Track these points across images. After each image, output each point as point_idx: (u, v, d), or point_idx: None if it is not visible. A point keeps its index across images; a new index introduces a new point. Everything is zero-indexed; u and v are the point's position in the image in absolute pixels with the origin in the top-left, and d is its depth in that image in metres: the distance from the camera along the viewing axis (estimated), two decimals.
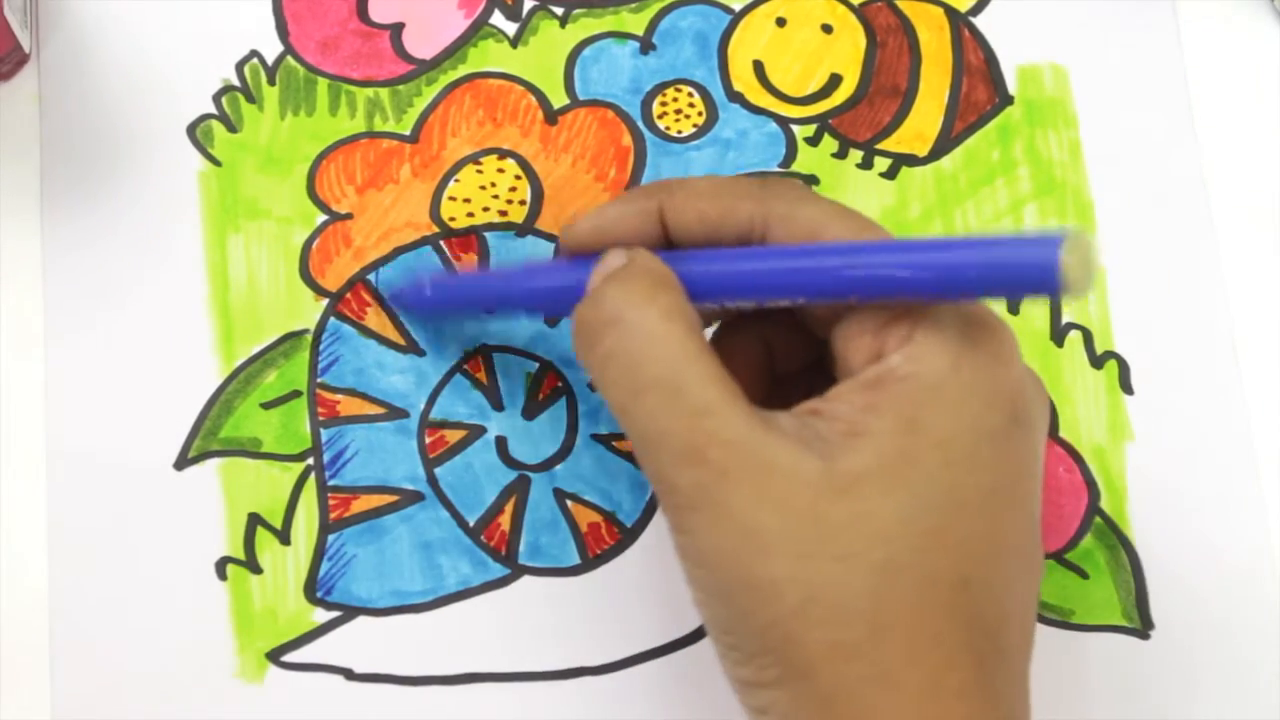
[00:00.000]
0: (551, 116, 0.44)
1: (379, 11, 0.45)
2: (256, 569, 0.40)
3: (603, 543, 0.41)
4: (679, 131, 0.44)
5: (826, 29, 0.45)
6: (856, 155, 0.44)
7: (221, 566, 0.40)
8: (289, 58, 0.44)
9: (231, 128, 0.43)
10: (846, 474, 0.28)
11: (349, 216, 0.43)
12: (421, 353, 0.42)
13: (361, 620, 0.40)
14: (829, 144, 0.44)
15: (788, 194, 0.33)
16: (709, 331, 0.36)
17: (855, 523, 0.28)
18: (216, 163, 0.43)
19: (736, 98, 0.44)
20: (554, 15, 0.45)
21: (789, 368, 0.35)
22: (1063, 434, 0.42)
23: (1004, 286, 0.28)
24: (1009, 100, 0.45)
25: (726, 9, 0.45)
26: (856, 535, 0.28)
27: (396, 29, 0.45)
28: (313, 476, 0.41)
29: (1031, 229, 0.27)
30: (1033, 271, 0.27)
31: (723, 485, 0.29)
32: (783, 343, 0.35)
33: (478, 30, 0.45)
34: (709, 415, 0.29)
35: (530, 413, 0.41)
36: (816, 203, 0.32)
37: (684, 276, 0.32)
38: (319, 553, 0.40)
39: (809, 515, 0.28)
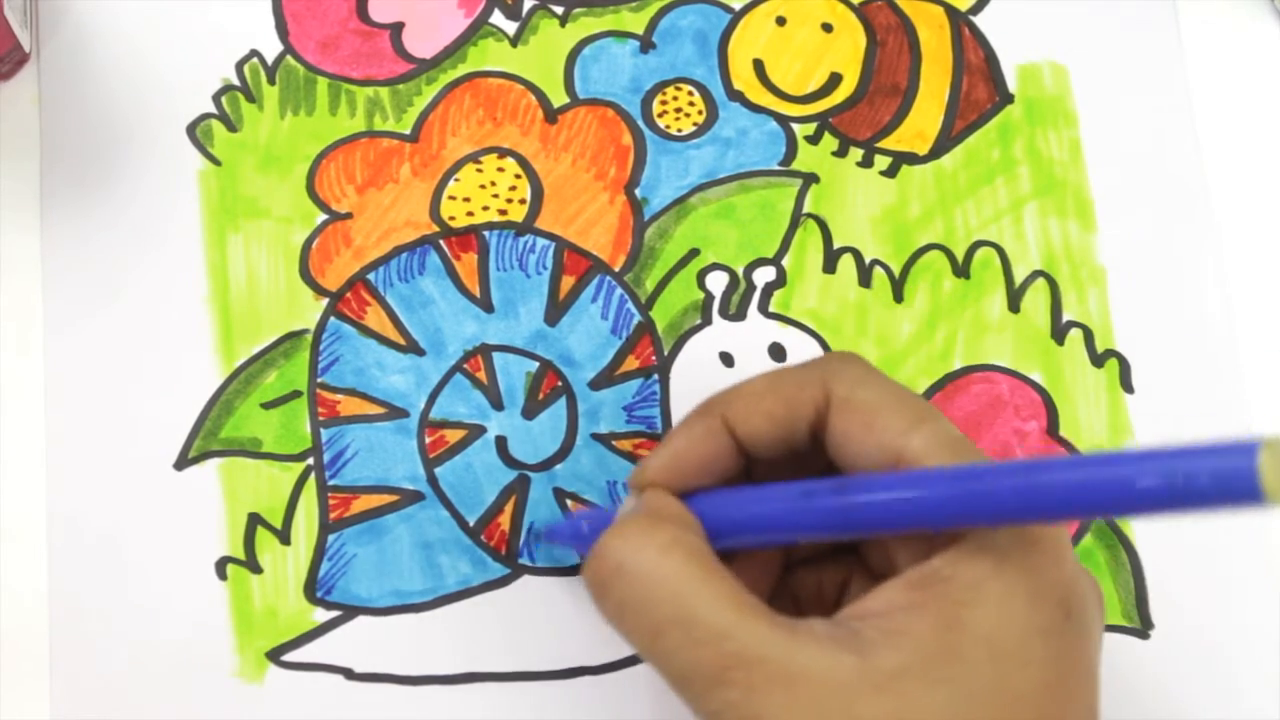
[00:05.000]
0: (551, 115, 0.44)
1: (379, 11, 0.45)
2: (256, 569, 0.40)
3: None
4: (679, 130, 0.44)
5: (826, 28, 0.45)
6: (856, 154, 0.44)
7: (221, 566, 0.40)
8: (289, 57, 0.44)
9: (231, 127, 0.43)
10: (884, 671, 0.28)
11: (349, 216, 0.43)
12: (421, 352, 0.42)
13: (361, 620, 0.40)
14: (829, 142, 0.44)
15: (846, 374, 0.32)
16: None
17: (895, 719, 0.28)
18: (216, 162, 0.43)
19: (736, 96, 0.44)
20: (554, 14, 0.45)
21: (808, 554, 0.36)
22: (1063, 433, 0.42)
23: (1190, 501, 0.25)
24: (1009, 99, 0.45)
25: (726, 8, 0.45)
26: None
27: (396, 28, 0.45)
28: (313, 476, 0.41)
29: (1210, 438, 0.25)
30: (1227, 480, 0.25)
31: (753, 700, 0.29)
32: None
33: (478, 29, 0.45)
34: (727, 639, 0.29)
35: (530, 412, 0.41)
36: (875, 386, 0.32)
37: (711, 518, 0.32)
38: (319, 552, 0.40)
39: (845, 715, 0.28)
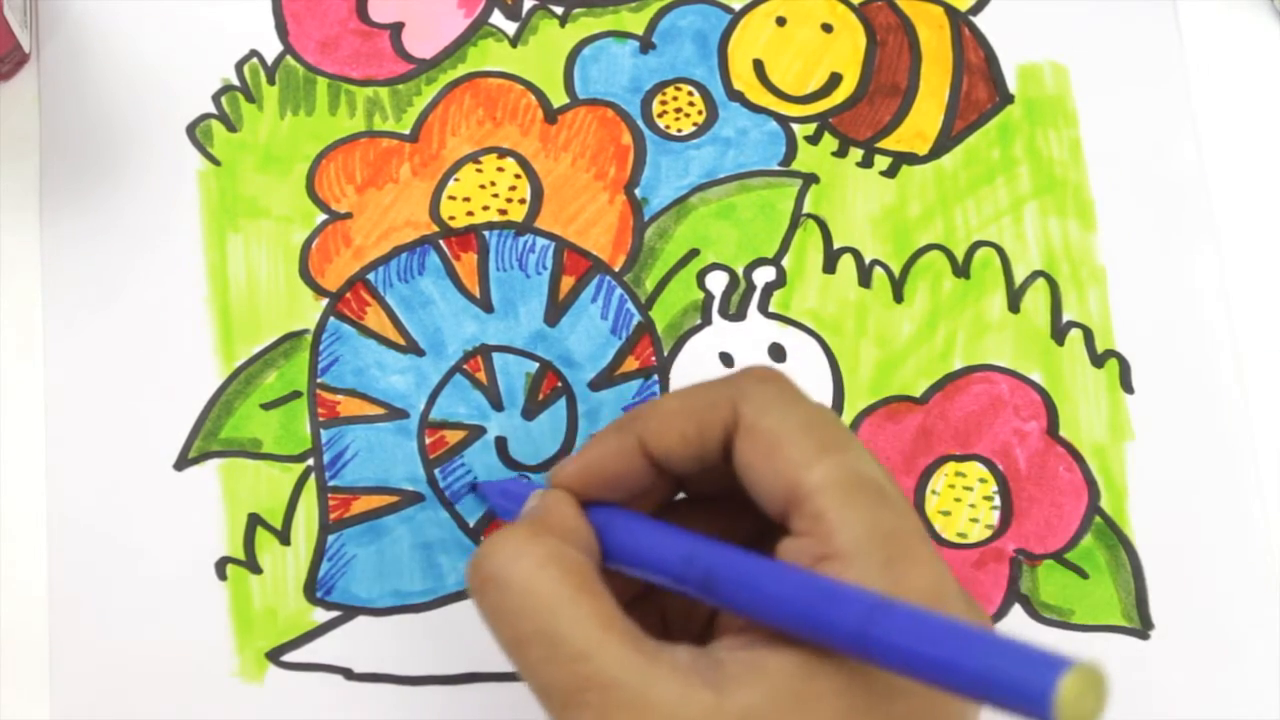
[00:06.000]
0: (551, 115, 0.44)
1: (379, 11, 0.45)
2: (256, 569, 0.40)
3: None
4: (679, 130, 0.44)
5: (826, 28, 0.45)
6: (857, 154, 0.44)
7: (221, 566, 0.40)
8: (289, 57, 0.44)
9: (231, 127, 0.43)
10: (734, 711, 0.28)
11: (348, 216, 0.43)
12: (421, 353, 0.42)
13: (361, 620, 0.40)
14: (829, 142, 0.44)
15: (756, 397, 0.32)
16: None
17: None
18: (216, 162, 0.43)
19: (736, 96, 0.44)
20: (554, 14, 0.45)
21: None
22: (1063, 433, 0.42)
23: (979, 696, 0.26)
24: (1009, 99, 0.45)
25: (726, 8, 0.45)
26: None
27: (396, 28, 0.45)
28: (313, 477, 0.41)
29: (1036, 644, 0.26)
30: (1024, 695, 0.25)
31: None
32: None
33: (477, 29, 0.45)
34: (586, 660, 0.29)
35: (530, 413, 0.41)
36: (782, 411, 0.31)
37: (610, 539, 0.32)
38: (319, 553, 0.40)
39: None
